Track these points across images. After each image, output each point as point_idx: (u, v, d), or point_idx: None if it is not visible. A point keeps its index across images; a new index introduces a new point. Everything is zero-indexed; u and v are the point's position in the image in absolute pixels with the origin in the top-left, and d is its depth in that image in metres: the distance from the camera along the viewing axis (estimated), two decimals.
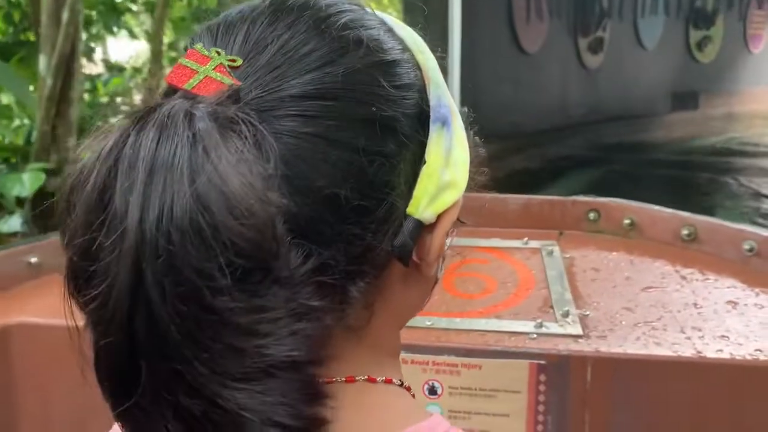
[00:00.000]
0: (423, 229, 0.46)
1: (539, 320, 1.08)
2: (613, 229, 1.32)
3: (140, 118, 0.39)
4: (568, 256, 1.24)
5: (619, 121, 10.39)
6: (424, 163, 0.46)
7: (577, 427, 1.03)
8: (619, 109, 10.67)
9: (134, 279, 0.35)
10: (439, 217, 0.47)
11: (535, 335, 1.05)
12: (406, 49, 0.48)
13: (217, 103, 0.39)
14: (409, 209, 0.46)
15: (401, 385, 0.51)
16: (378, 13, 0.50)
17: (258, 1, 0.47)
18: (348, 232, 0.43)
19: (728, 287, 1.17)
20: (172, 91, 0.42)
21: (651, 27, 12.01)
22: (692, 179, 7.58)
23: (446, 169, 0.47)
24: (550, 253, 1.25)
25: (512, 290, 1.16)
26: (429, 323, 1.07)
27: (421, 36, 0.51)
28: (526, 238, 1.31)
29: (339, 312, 0.45)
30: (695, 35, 12.89)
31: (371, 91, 0.44)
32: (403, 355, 1.02)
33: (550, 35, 9.12)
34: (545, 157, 8.06)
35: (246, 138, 0.38)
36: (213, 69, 0.42)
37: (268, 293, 0.37)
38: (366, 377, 0.49)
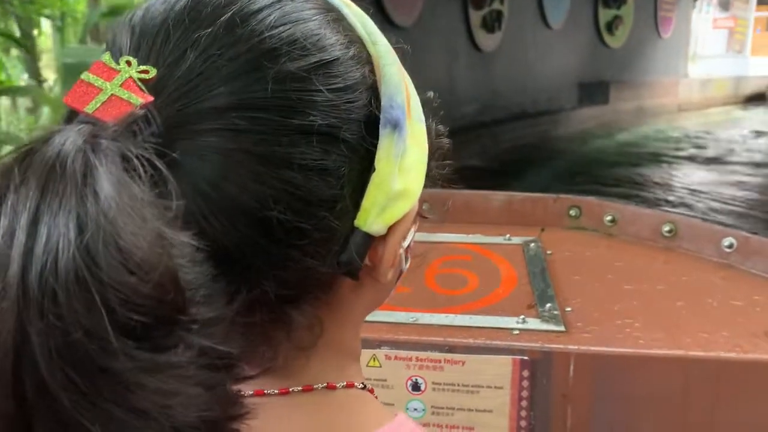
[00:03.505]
0: (374, 239, 0.43)
1: (522, 316, 1.08)
2: (594, 225, 1.32)
3: (26, 154, 0.33)
4: (550, 252, 1.25)
5: (521, 121, 8.83)
6: (373, 171, 0.41)
7: (560, 422, 1.03)
8: (520, 103, 9.08)
9: (18, 341, 0.30)
10: (391, 227, 0.43)
11: (517, 331, 1.05)
12: (354, 41, 0.42)
13: (115, 136, 0.34)
14: (357, 221, 0.42)
15: (363, 387, 0.49)
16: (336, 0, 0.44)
17: None
18: (285, 256, 0.39)
19: (708, 284, 1.18)
20: (73, 114, 0.37)
21: (557, 2, 10.36)
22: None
23: (398, 177, 0.42)
24: (532, 249, 1.25)
25: (495, 286, 1.16)
26: (412, 319, 1.07)
27: None
28: (508, 235, 1.31)
29: (281, 337, 0.43)
30: (605, 14, 11.90)
31: (306, 98, 0.38)
32: (386, 351, 1.03)
33: (429, 3, 6.90)
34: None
35: (141, 178, 0.33)
36: (120, 85, 0.37)
37: (175, 348, 0.32)
38: (325, 384, 0.47)
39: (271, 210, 0.38)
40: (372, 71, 0.42)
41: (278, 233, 0.39)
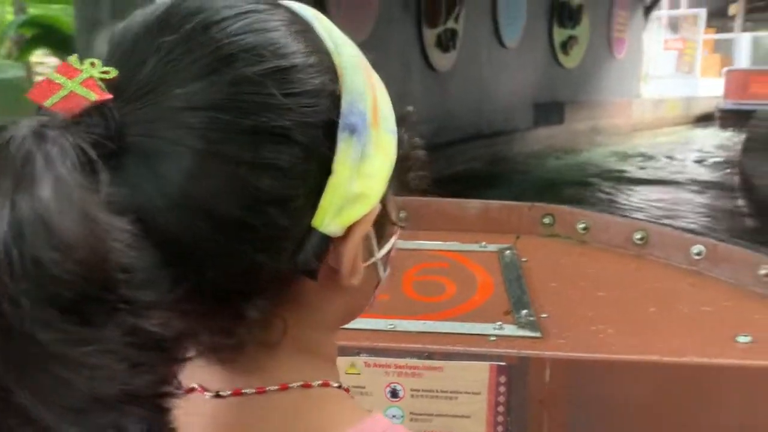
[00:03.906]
0: (333, 241, 0.44)
1: (499, 323, 1.09)
2: (567, 233, 1.34)
3: None
4: (525, 259, 1.26)
5: (476, 141, 8.78)
6: (331, 173, 0.43)
7: (536, 428, 1.04)
8: (476, 124, 9.05)
9: None
10: (350, 229, 0.45)
11: (494, 337, 1.06)
12: (317, 51, 0.44)
13: (61, 126, 0.37)
14: (314, 222, 0.43)
15: (339, 387, 0.50)
16: (300, 8, 0.47)
17: (160, 4, 0.44)
18: (233, 251, 0.41)
19: (679, 290, 1.20)
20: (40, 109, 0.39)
21: (512, 21, 10.43)
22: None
23: (356, 180, 0.44)
24: (508, 256, 1.27)
25: (472, 293, 1.17)
26: (391, 326, 1.07)
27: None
28: (484, 242, 1.32)
29: (236, 330, 0.44)
30: (560, 34, 12.01)
31: (261, 101, 0.40)
32: (365, 358, 1.03)
33: (382, 21, 6.87)
34: None
35: (76, 167, 0.35)
36: (80, 83, 0.39)
37: (104, 324, 0.34)
38: (301, 383, 0.48)
39: (220, 204, 0.40)
40: (334, 80, 0.44)
41: (226, 227, 0.40)
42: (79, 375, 0.34)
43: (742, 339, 1.05)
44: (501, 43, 10.29)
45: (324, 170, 0.43)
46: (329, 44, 0.46)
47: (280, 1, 0.47)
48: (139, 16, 0.43)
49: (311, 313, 0.48)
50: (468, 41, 9.25)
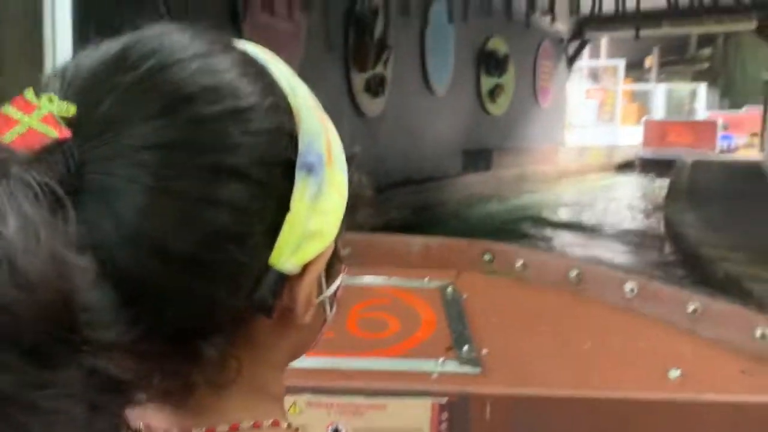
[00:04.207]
0: (289, 278, 0.44)
1: (441, 359, 1.09)
2: (506, 270, 1.37)
3: None
4: (465, 296, 1.28)
5: (406, 187, 8.65)
6: (288, 211, 0.43)
7: None
8: (405, 170, 8.95)
9: None
10: (306, 266, 0.45)
11: (436, 374, 1.07)
12: (273, 93, 0.45)
13: (23, 162, 0.36)
14: (271, 260, 0.43)
15: (288, 426, 0.49)
16: (255, 50, 0.48)
17: (114, 43, 0.44)
18: (190, 288, 0.40)
19: (613, 326, 1.24)
20: None
21: (440, 68, 10.60)
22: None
23: (312, 217, 0.44)
24: (450, 293, 1.28)
25: (414, 330, 1.17)
26: (334, 365, 1.06)
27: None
28: (426, 278, 1.33)
29: (191, 369, 0.43)
30: (487, 82, 12.27)
31: (217, 140, 0.41)
32: (308, 397, 1.02)
33: (308, 63, 6.53)
34: None
35: (41, 204, 0.35)
36: (39, 119, 0.38)
37: (65, 366, 0.33)
38: (252, 423, 0.47)
39: (176, 242, 0.39)
40: (291, 120, 0.45)
41: (182, 265, 0.40)
42: (37, 419, 0.32)
43: (673, 373, 1.08)
44: (430, 90, 10.43)
45: (282, 208, 0.43)
46: (285, 85, 0.46)
47: (235, 43, 0.48)
48: (94, 52, 0.43)
49: (264, 351, 0.48)
50: (397, 87, 9.30)
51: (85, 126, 0.39)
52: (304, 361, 1.05)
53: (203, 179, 0.40)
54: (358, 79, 8.53)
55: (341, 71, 8.20)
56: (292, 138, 0.44)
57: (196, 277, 0.40)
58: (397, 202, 8.19)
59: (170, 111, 0.40)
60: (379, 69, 8.84)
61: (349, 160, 0.51)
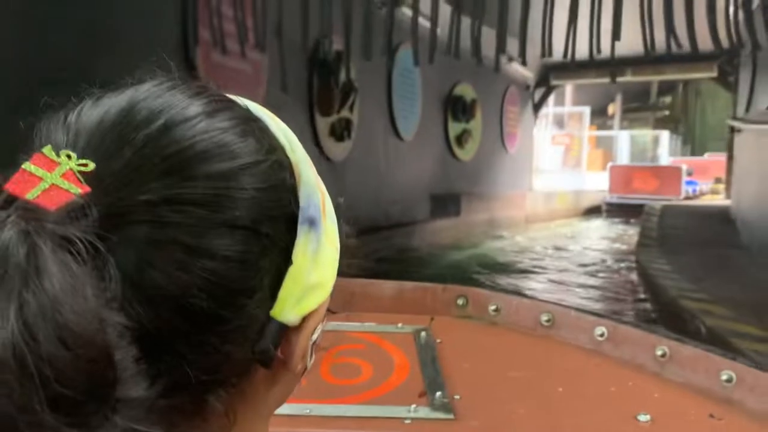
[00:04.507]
0: (287, 330, 0.45)
1: (413, 405, 1.09)
2: (479, 314, 1.38)
3: None
4: (439, 340, 1.28)
5: (373, 234, 8.44)
6: (291, 264, 0.44)
7: None
8: (373, 216, 8.72)
9: None
10: (305, 318, 0.46)
11: (409, 420, 1.06)
12: (275, 148, 0.46)
13: (57, 220, 0.36)
14: (273, 312, 0.44)
15: None
16: (254, 107, 0.50)
17: (118, 98, 0.44)
18: (205, 342, 0.41)
19: (584, 371, 1.25)
20: (12, 199, 0.38)
21: (408, 113, 10.53)
22: None
23: (313, 270, 0.45)
24: (423, 337, 1.28)
25: (388, 375, 1.17)
26: (307, 411, 1.06)
27: None
28: (400, 323, 1.33)
29: (198, 423, 0.44)
30: (455, 128, 12.31)
31: (231, 195, 0.42)
32: None
33: (269, 107, 5.56)
34: None
35: (83, 260, 0.35)
36: (60, 176, 0.39)
37: (103, 424, 0.33)
38: None
39: (194, 297, 0.40)
40: (292, 175, 0.46)
41: (200, 320, 0.40)
42: None
43: (642, 418, 1.09)
44: (398, 135, 10.39)
45: (285, 261, 0.44)
46: (284, 141, 0.48)
47: (236, 101, 0.49)
48: (97, 107, 0.44)
49: (257, 402, 0.48)
50: (364, 131, 9.23)
51: (104, 181, 0.40)
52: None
53: (219, 236, 0.41)
54: (323, 123, 8.43)
55: (305, 115, 8.12)
56: (294, 192, 0.46)
57: (211, 332, 0.41)
58: (364, 250, 8.14)
59: (185, 167, 0.41)
60: (344, 113, 8.73)
61: (335, 210, 0.53)
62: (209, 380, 0.42)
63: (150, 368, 0.37)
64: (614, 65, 13.47)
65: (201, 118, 0.44)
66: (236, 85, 6.59)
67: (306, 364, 0.51)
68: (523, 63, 4.14)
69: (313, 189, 0.47)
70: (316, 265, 0.46)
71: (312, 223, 0.46)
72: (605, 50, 4.02)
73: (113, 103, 0.44)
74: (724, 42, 4.90)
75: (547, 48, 3.98)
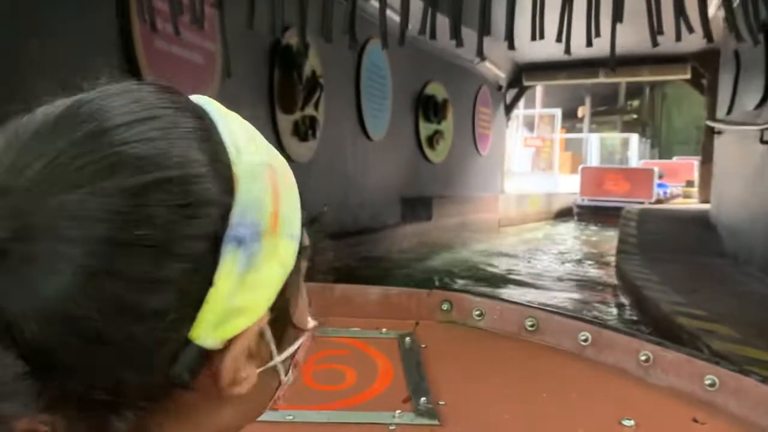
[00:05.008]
0: (210, 353, 0.42)
1: (398, 411, 1.08)
2: (463, 319, 1.37)
3: None
4: (424, 345, 1.27)
5: (341, 240, 8.06)
6: (211, 286, 0.41)
7: None
8: (340, 220, 8.41)
9: None
10: (230, 342, 0.43)
11: (394, 426, 1.05)
12: (213, 160, 0.43)
13: None
14: (191, 335, 0.41)
15: None
16: (210, 108, 0.46)
17: (62, 103, 0.43)
18: (99, 364, 0.39)
19: (568, 375, 1.25)
20: None
21: (377, 112, 10.11)
22: None
23: (239, 293, 0.42)
24: (407, 343, 1.27)
25: (372, 381, 1.16)
26: (289, 417, 1.04)
27: None
28: (384, 329, 1.32)
29: None
30: (426, 128, 11.98)
31: (142, 212, 0.39)
32: None
33: (224, 101, 5.00)
34: None
35: None
36: None
37: None
38: None
39: (87, 319, 0.38)
40: (227, 190, 0.43)
41: (90, 341, 0.39)
42: None
43: (626, 422, 1.09)
44: (367, 135, 10.00)
45: (206, 282, 0.41)
46: (230, 150, 0.44)
47: (192, 99, 0.46)
48: (40, 113, 0.42)
49: (194, 424, 0.46)
50: (330, 131, 8.76)
51: (11, 191, 0.38)
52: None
53: (119, 255, 0.38)
54: (284, 121, 7.83)
55: (265, 112, 7.56)
56: (225, 209, 0.42)
57: (102, 354, 0.39)
58: (331, 257, 8.02)
59: (96, 181, 0.39)
60: (309, 111, 8.14)
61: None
62: (106, 401, 0.40)
63: (37, 384, 0.37)
64: (588, 65, 13.58)
65: (127, 128, 0.41)
66: (185, 77, 6.12)
67: (281, 379, 0.50)
68: (511, 46, 4.05)
69: (254, 204, 0.43)
70: (243, 287, 0.42)
71: (240, 242, 0.42)
72: (577, 51, 4.03)
73: (56, 107, 0.43)
74: (702, 43, 4.83)
75: (537, 33, 3.89)
